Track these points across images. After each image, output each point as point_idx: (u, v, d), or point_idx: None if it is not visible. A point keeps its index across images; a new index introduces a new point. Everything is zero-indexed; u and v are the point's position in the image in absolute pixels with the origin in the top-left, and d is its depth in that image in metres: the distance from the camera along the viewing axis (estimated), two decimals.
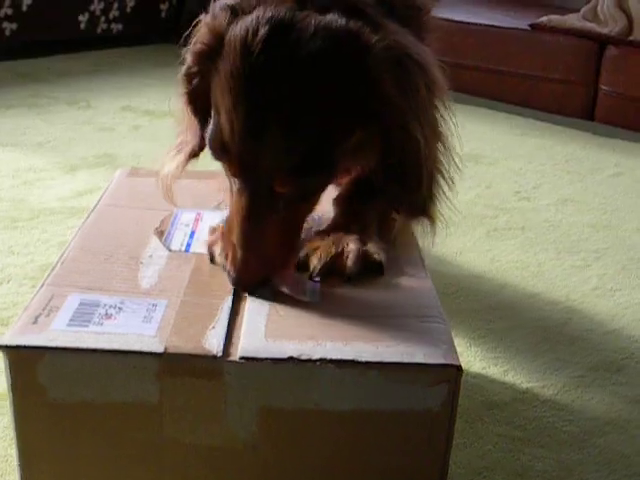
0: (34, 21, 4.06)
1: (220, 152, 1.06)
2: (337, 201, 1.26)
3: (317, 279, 1.13)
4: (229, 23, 1.03)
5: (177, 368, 0.98)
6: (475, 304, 1.80)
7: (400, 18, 1.13)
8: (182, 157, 1.17)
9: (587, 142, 3.22)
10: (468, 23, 3.83)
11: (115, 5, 4.44)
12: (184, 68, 1.08)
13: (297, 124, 1.01)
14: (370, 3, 1.08)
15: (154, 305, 1.06)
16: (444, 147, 1.16)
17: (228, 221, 1.10)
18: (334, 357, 0.98)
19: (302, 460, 1.04)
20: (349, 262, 1.12)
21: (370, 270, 1.14)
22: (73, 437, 1.02)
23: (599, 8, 3.68)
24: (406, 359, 0.98)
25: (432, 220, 1.15)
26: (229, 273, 1.09)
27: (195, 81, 1.09)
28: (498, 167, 2.82)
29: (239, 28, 1.01)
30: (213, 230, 1.20)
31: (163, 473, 1.04)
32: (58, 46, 4.24)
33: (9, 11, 3.96)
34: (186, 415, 1.00)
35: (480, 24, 3.80)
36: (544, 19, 3.66)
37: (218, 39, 1.03)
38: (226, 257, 1.10)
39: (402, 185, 1.11)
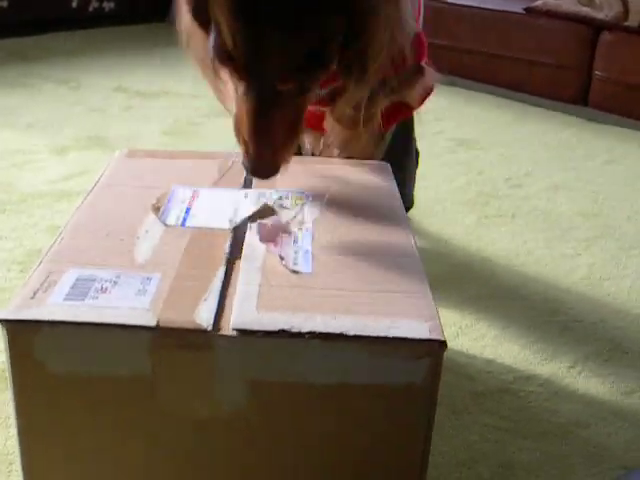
0: (26, 0, 4.04)
1: (225, 59, 1.11)
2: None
3: (308, 246, 1.17)
4: None
5: (169, 341, 0.99)
6: (463, 293, 1.80)
7: None
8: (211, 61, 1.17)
9: (580, 128, 3.22)
10: (462, 6, 3.81)
11: None
12: None
13: (296, 25, 1.06)
14: None
15: (148, 278, 1.07)
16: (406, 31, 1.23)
17: (236, 122, 1.16)
18: (323, 330, 0.99)
19: (290, 432, 1.05)
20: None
21: None
22: (70, 409, 1.04)
23: None
24: (391, 333, 1.00)
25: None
26: (245, 165, 1.16)
27: None
28: (490, 153, 2.81)
29: None
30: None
31: (155, 444, 1.05)
32: (50, 24, 4.22)
33: None
34: (178, 388, 1.02)
35: (474, 7, 3.78)
36: (539, 3, 3.64)
37: None
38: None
39: (364, 65, 1.18)
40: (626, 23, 3.39)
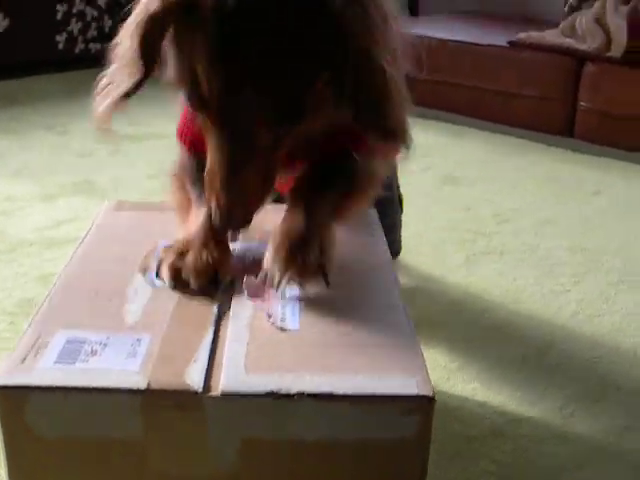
0: (12, 42, 4.07)
1: (199, 106, 1.10)
2: (292, 195, 1.30)
3: (295, 302, 1.17)
4: None
5: (160, 403, 0.99)
6: (454, 333, 1.80)
7: None
8: (117, 96, 1.15)
9: (566, 160, 3.23)
10: (447, 40, 3.85)
11: (93, 25, 4.45)
12: (150, 11, 1.08)
13: (273, 77, 1.06)
14: None
15: (138, 340, 1.07)
16: (401, 72, 1.17)
17: (209, 174, 1.14)
18: (312, 390, 0.99)
19: None
20: (308, 274, 1.17)
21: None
22: (62, 473, 1.04)
23: (577, 24, 3.70)
24: (380, 390, 1.00)
25: (407, 141, 1.17)
26: (216, 217, 1.13)
27: (155, 28, 1.09)
28: (477, 189, 2.82)
29: None
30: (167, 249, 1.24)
31: None
32: (37, 66, 4.23)
33: None
34: (170, 448, 1.01)
35: (459, 41, 3.82)
36: (522, 36, 3.67)
37: None
38: (213, 203, 1.14)
39: (376, 114, 1.15)
40: (609, 54, 3.42)
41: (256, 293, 1.19)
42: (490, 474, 1.37)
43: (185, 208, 1.31)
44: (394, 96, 1.13)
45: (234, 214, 1.13)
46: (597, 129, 3.43)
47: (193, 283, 1.18)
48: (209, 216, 1.17)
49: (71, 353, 1.04)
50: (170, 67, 1.13)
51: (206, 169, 1.15)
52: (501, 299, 1.98)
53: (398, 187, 1.87)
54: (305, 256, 1.17)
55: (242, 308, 1.15)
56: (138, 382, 0.99)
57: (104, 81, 1.17)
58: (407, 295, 1.69)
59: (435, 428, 1.05)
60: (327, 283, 1.18)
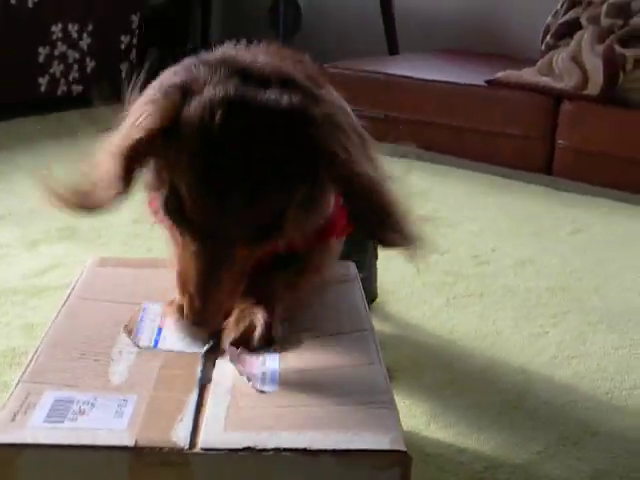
0: None
1: (179, 221, 1.13)
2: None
3: (275, 365, 1.20)
4: (181, 103, 1.10)
5: (147, 460, 1.02)
6: (434, 379, 1.83)
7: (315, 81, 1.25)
8: (93, 203, 1.22)
9: (546, 198, 3.27)
10: (426, 80, 3.89)
11: (75, 67, 4.48)
12: (133, 139, 1.12)
13: (257, 198, 1.09)
14: (297, 74, 1.20)
15: (125, 400, 1.10)
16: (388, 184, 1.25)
17: (181, 276, 1.17)
18: (287, 446, 1.02)
19: None
20: (255, 339, 1.22)
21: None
22: None
23: (554, 62, 3.75)
24: (355, 446, 1.03)
25: (420, 241, 1.24)
26: (190, 317, 1.17)
27: (140, 155, 1.13)
28: (457, 230, 2.85)
29: (195, 110, 1.09)
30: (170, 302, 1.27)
31: None
32: (19, 109, 4.26)
33: None
34: None
35: (437, 81, 3.87)
36: (500, 75, 3.72)
37: (171, 119, 1.09)
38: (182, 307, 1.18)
39: (379, 220, 1.20)
40: (586, 92, 3.47)
41: (238, 359, 1.21)
42: None
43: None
44: (390, 204, 1.21)
45: (208, 316, 1.16)
46: (574, 166, 3.48)
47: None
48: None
49: (60, 412, 1.07)
50: (151, 177, 1.18)
51: (177, 269, 1.18)
52: (480, 343, 2.01)
53: None
54: (249, 324, 1.22)
55: (224, 372, 1.18)
56: (126, 439, 1.01)
57: (87, 167, 1.25)
58: (387, 341, 1.72)
59: (414, 476, 1.07)
60: (274, 344, 1.23)
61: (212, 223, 1.10)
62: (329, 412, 1.10)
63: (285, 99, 1.11)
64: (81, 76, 4.52)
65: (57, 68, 4.39)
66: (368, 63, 4.17)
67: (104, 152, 1.20)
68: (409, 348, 1.97)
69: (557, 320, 2.15)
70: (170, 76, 1.17)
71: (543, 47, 3.96)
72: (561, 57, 3.73)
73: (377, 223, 1.20)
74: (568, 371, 1.89)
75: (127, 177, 1.14)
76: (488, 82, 3.70)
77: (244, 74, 1.13)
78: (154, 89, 1.17)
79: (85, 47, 4.50)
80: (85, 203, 1.22)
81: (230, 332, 1.22)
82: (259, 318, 1.24)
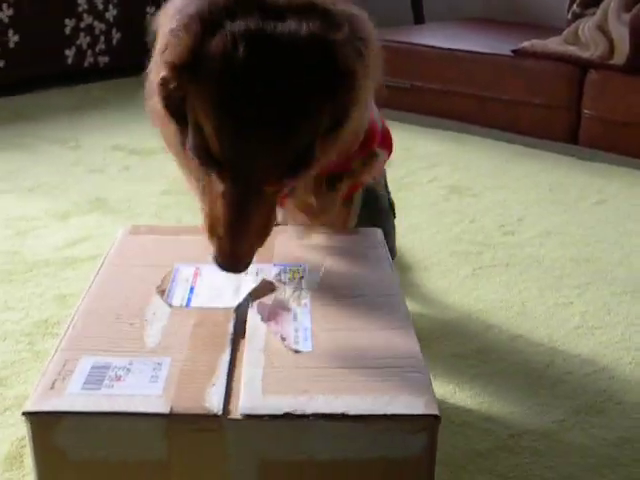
0: (22, 57, 4.14)
1: (208, 161, 1.13)
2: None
3: (307, 324, 1.24)
4: (202, 37, 1.09)
5: (182, 426, 1.06)
6: (460, 348, 1.85)
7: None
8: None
9: (571, 168, 3.27)
10: (451, 49, 3.89)
11: (101, 38, 4.51)
12: (160, 77, 1.13)
13: (285, 133, 1.10)
14: None
15: (159, 364, 1.14)
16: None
17: (210, 219, 1.18)
18: (325, 411, 1.06)
19: None
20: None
21: None
22: None
23: (580, 31, 3.74)
24: (389, 410, 1.07)
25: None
26: (220, 259, 1.18)
27: (170, 89, 1.13)
28: (482, 199, 2.87)
29: (217, 45, 1.08)
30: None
31: None
32: (46, 81, 4.29)
33: None
34: (193, 469, 1.08)
35: (463, 50, 3.86)
36: (526, 44, 3.71)
37: (193, 54, 1.09)
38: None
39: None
40: (612, 61, 3.46)
41: (270, 316, 1.24)
42: None
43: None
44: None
45: (238, 257, 1.17)
46: (601, 136, 3.48)
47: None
48: None
49: (96, 379, 1.11)
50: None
51: (205, 212, 1.19)
52: (506, 312, 2.03)
53: (388, 193, 1.92)
54: None
55: (256, 330, 1.22)
56: (161, 407, 1.06)
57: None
58: (414, 311, 1.74)
59: (441, 443, 1.11)
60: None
61: (239, 162, 1.11)
62: (363, 375, 1.14)
63: (304, 28, 1.10)
64: (107, 47, 4.55)
65: (83, 40, 4.42)
66: (394, 33, 4.17)
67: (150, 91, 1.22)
68: (435, 317, 1.99)
69: (581, 290, 2.17)
70: (188, 2, 1.14)
71: (569, 16, 3.94)
72: (587, 26, 3.72)
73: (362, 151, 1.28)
74: (591, 341, 1.91)
75: (176, 116, 1.15)
76: (514, 51, 3.70)
77: (263, 3, 1.12)
78: (173, 14, 1.14)
79: (111, 18, 4.53)
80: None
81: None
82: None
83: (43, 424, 1.06)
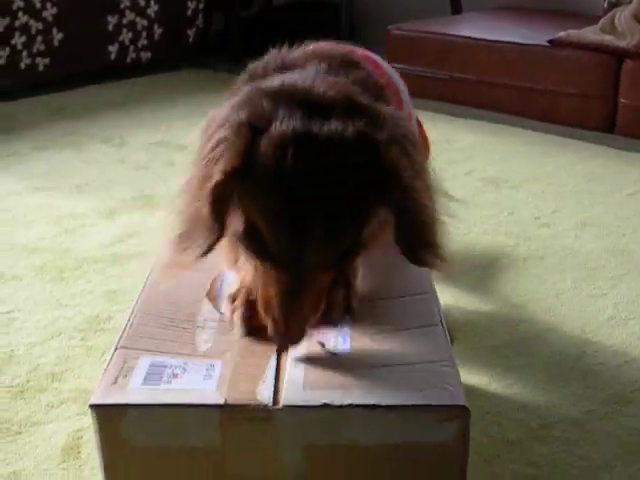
0: (66, 55, 4.23)
1: (262, 256, 1.19)
2: None
3: (346, 331, 1.34)
4: (252, 142, 1.16)
5: (235, 416, 1.18)
6: (494, 340, 1.91)
7: (373, 94, 1.32)
8: (195, 254, 1.22)
9: (607, 158, 3.30)
10: (489, 40, 3.93)
11: (143, 34, 4.59)
12: (213, 183, 1.16)
13: (335, 229, 1.17)
14: (358, 91, 1.26)
15: (212, 365, 1.26)
16: (437, 202, 1.30)
17: (264, 301, 1.25)
18: (360, 402, 1.18)
19: None
20: (336, 312, 1.36)
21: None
22: (152, 478, 1.23)
23: (616, 20, 3.76)
24: (420, 401, 1.19)
25: (447, 262, 1.28)
26: (276, 337, 1.24)
27: (224, 196, 1.18)
28: (519, 191, 2.91)
29: (266, 150, 1.15)
30: (232, 300, 1.38)
31: None
32: (90, 78, 4.39)
33: (41, 47, 4.13)
34: (245, 454, 1.20)
35: (501, 41, 3.90)
36: (562, 34, 3.74)
37: (244, 159, 1.15)
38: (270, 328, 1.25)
39: (421, 246, 1.26)
40: None
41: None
42: (526, 475, 1.48)
43: (234, 254, 1.41)
44: (435, 227, 1.26)
45: (292, 336, 1.22)
46: (637, 125, 3.51)
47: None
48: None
49: (155, 375, 1.22)
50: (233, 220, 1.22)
51: (258, 295, 1.25)
52: (541, 304, 2.08)
53: None
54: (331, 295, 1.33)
55: None
56: (216, 399, 1.17)
57: (177, 237, 1.24)
58: (449, 303, 1.80)
59: (475, 432, 1.18)
60: (352, 313, 1.36)
61: (294, 257, 1.16)
62: (396, 371, 1.25)
63: (350, 128, 1.17)
64: (149, 43, 4.63)
65: (126, 36, 4.50)
66: (431, 24, 4.22)
67: (189, 195, 1.23)
68: (470, 309, 2.05)
69: (615, 282, 2.21)
70: (235, 110, 1.22)
71: (606, 4, 3.98)
72: (623, 15, 3.75)
73: (421, 246, 1.25)
74: (624, 332, 1.96)
75: (220, 220, 1.19)
76: (550, 42, 3.73)
77: (307, 104, 1.18)
78: (221, 123, 1.21)
79: (152, 14, 4.60)
80: (194, 255, 1.23)
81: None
82: (339, 294, 1.35)
83: (108, 416, 1.18)
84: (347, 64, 1.39)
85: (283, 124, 1.16)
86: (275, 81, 1.26)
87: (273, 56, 1.42)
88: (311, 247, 1.15)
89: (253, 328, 1.33)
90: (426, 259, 1.26)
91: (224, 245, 1.41)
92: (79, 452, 1.54)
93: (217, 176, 1.16)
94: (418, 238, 1.24)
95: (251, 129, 1.17)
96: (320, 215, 1.14)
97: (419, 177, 1.25)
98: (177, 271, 1.27)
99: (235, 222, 1.22)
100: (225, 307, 1.37)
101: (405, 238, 1.24)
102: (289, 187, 1.14)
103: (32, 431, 1.59)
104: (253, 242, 1.19)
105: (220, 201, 1.18)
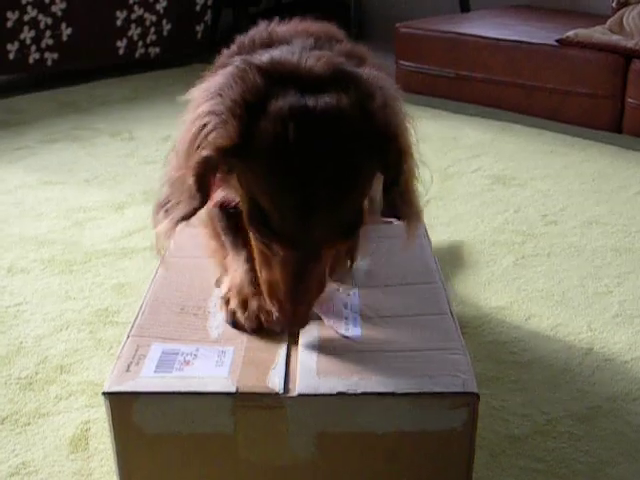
0: (74, 50, 4.25)
1: (266, 233, 1.20)
2: None
3: (357, 314, 1.37)
4: (248, 120, 1.17)
5: (247, 404, 1.19)
6: (501, 336, 1.92)
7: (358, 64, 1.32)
8: (175, 219, 1.25)
9: (615, 157, 3.30)
10: (497, 39, 3.93)
11: (152, 29, 4.60)
12: (202, 156, 1.18)
13: (341, 196, 1.18)
14: (341, 59, 1.28)
15: (223, 352, 1.27)
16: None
17: (269, 285, 1.25)
18: (375, 390, 1.19)
19: (352, 473, 1.25)
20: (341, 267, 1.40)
21: None
22: (164, 465, 1.24)
23: (625, 20, 3.77)
24: (432, 389, 1.20)
25: (420, 220, 1.35)
26: (281, 321, 1.26)
27: (211, 169, 1.20)
28: (526, 189, 2.92)
29: (267, 127, 1.16)
30: (227, 300, 1.38)
31: None
32: (98, 73, 4.41)
33: (50, 41, 4.14)
34: (257, 441, 1.22)
35: (508, 40, 3.90)
36: (570, 34, 3.74)
37: (242, 136, 1.16)
38: (272, 311, 1.28)
39: (404, 203, 1.30)
40: None
41: (323, 307, 1.33)
42: (531, 470, 1.49)
43: (221, 253, 1.44)
44: (416, 188, 1.31)
45: (299, 316, 1.23)
46: None
47: (276, 328, 1.32)
48: (252, 264, 1.32)
49: (167, 363, 1.23)
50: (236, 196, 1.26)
51: (262, 280, 1.26)
52: (546, 301, 2.09)
53: None
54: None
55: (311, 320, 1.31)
56: (228, 386, 1.19)
57: (164, 196, 1.28)
58: (456, 299, 1.81)
59: (481, 428, 1.19)
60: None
61: (299, 232, 1.17)
62: (409, 358, 1.26)
63: (344, 99, 1.19)
64: (158, 38, 4.64)
65: (134, 31, 4.52)
66: (440, 22, 4.22)
67: (177, 161, 1.27)
68: (477, 305, 2.06)
69: (621, 280, 2.22)
70: (228, 83, 1.22)
71: (614, 4, 3.98)
72: (632, 15, 3.75)
73: (404, 203, 1.29)
74: (630, 330, 1.96)
75: (203, 191, 1.22)
76: (559, 41, 3.73)
77: (298, 79, 1.20)
78: (214, 94, 1.22)
79: (161, 10, 4.62)
80: (175, 218, 1.26)
81: None
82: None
83: (121, 403, 1.19)
84: (331, 39, 1.40)
85: (279, 101, 1.17)
86: (265, 56, 1.27)
87: (260, 31, 1.44)
88: (318, 220, 1.16)
89: (259, 324, 1.34)
90: (405, 214, 1.30)
91: (212, 244, 1.44)
92: (87, 444, 1.55)
93: (207, 151, 1.18)
94: (403, 196, 1.28)
95: (246, 106, 1.18)
96: (325, 187, 1.15)
97: (409, 137, 1.29)
98: (165, 236, 1.29)
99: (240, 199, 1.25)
100: (221, 308, 1.38)
101: (392, 195, 1.27)
102: (292, 162, 1.15)
103: (41, 423, 1.61)
104: (258, 222, 1.20)
105: (205, 174, 1.20)
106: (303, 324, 1.26)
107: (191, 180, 1.20)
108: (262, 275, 1.27)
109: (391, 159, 1.22)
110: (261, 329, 1.33)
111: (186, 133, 1.24)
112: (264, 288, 1.27)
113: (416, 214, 1.31)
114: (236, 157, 1.18)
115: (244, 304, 1.34)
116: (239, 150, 1.17)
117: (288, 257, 1.19)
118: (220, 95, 1.20)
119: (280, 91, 1.18)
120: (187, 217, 1.24)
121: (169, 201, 1.26)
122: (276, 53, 1.28)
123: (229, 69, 1.25)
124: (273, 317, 1.29)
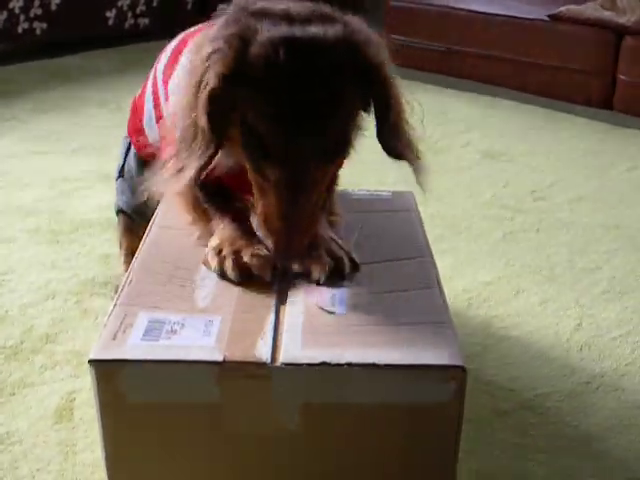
0: (63, 19, 4.20)
1: (261, 158, 1.24)
2: None
3: (342, 290, 1.34)
4: (243, 49, 1.21)
5: (234, 373, 1.17)
6: (490, 311, 1.91)
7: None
8: (195, 169, 1.26)
9: (605, 134, 3.30)
10: (488, 14, 3.91)
11: (142, 0, 4.55)
12: (208, 89, 1.23)
13: (329, 120, 1.22)
14: (332, 10, 1.31)
15: (210, 321, 1.25)
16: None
17: (264, 216, 1.28)
18: (358, 361, 1.17)
19: (337, 445, 1.24)
20: (345, 269, 1.37)
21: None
22: (149, 434, 1.23)
23: None
24: (418, 361, 1.18)
25: (421, 159, 1.36)
26: (278, 252, 1.27)
27: (218, 102, 1.23)
28: (516, 164, 2.91)
29: (259, 52, 1.21)
30: (219, 250, 1.37)
31: (223, 459, 1.25)
32: (88, 43, 4.37)
33: (38, 11, 4.10)
34: (242, 411, 1.20)
35: (500, 15, 3.88)
36: (562, 9, 3.72)
37: (238, 63, 1.21)
38: (271, 241, 1.28)
39: (399, 142, 1.33)
40: None
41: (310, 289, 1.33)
42: (517, 445, 1.49)
43: (205, 221, 1.44)
44: (410, 126, 1.34)
45: (295, 246, 1.26)
46: (636, 102, 3.49)
47: (265, 275, 1.32)
48: (239, 223, 1.36)
49: (154, 331, 1.22)
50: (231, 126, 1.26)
51: (259, 213, 1.29)
52: (535, 277, 2.09)
53: None
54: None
55: (297, 295, 1.31)
56: (215, 355, 1.17)
57: (172, 163, 1.30)
58: (444, 274, 1.81)
59: (468, 402, 1.19)
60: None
61: (289, 148, 1.20)
62: (394, 331, 1.24)
63: (330, 31, 1.23)
64: (147, 9, 4.61)
65: (124, 2, 4.48)
66: None
67: (184, 105, 1.29)
68: (465, 281, 2.06)
69: (610, 256, 2.22)
70: (223, 27, 1.27)
71: None
72: None
73: (399, 142, 1.32)
74: (618, 306, 1.96)
75: (216, 128, 1.24)
76: (550, 16, 3.71)
77: (287, 17, 1.24)
78: (213, 39, 1.26)
79: None
80: (194, 169, 1.27)
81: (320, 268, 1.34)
82: (336, 249, 1.37)
83: (107, 371, 1.17)
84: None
85: (270, 31, 1.22)
86: (257, 5, 1.31)
87: None
88: (305, 134, 1.20)
89: (246, 275, 1.33)
90: (403, 154, 1.33)
91: (193, 214, 1.44)
92: (72, 414, 1.54)
93: (212, 82, 1.22)
94: (397, 134, 1.32)
95: (240, 39, 1.22)
96: (312, 105, 1.20)
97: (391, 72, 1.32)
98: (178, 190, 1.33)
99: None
100: (212, 259, 1.37)
101: (385, 133, 1.30)
102: (282, 82, 1.19)
103: (25, 392, 1.60)
104: (253, 146, 1.24)
105: (217, 109, 1.23)
106: (297, 254, 1.29)
107: (203, 120, 1.24)
108: (259, 208, 1.29)
109: (375, 89, 1.27)
110: (250, 277, 1.33)
111: (190, 78, 1.28)
112: (260, 220, 1.29)
113: (413, 153, 1.35)
114: (236, 85, 1.21)
115: (236, 253, 1.34)
116: (238, 77, 1.21)
117: (280, 179, 1.22)
118: (217, 38, 1.25)
119: (271, 25, 1.23)
120: (204, 168, 1.26)
121: (182, 153, 1.28)
122: (267, 3, 1.32)
123: (224, 17, 1.30)
124: (265, 258, 1.32)
